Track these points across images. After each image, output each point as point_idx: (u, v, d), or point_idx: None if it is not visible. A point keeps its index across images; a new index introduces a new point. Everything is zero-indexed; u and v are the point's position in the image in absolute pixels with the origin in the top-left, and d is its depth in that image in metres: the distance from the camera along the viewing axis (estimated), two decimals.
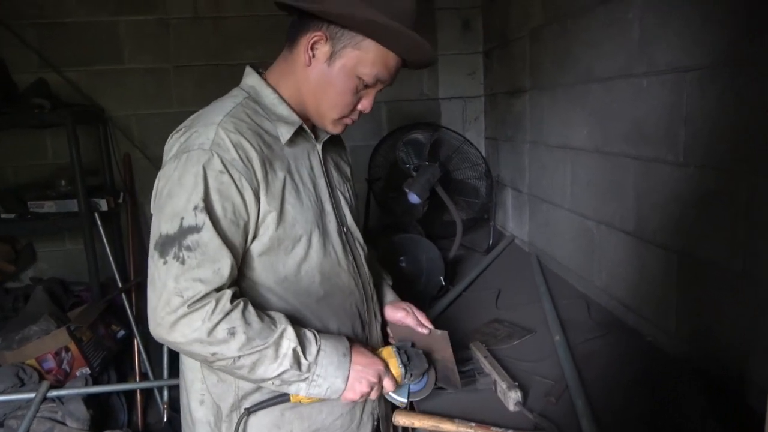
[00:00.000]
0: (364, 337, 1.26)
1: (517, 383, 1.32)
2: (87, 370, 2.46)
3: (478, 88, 3.13)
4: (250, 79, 1.16)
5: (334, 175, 1.26)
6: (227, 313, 0.96)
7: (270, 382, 1.03)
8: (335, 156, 1.31)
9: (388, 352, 1.17)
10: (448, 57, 3.09)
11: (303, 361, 1.02)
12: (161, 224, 0.99)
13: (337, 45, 1.06)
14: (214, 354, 0.97)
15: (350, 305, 1.21)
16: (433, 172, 2.18)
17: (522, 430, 1.20)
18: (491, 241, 2.60)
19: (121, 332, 2.80)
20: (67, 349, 2.43)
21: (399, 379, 1.15)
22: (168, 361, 2.78)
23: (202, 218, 0.97)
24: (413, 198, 2.18)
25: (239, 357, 0.98)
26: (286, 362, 1.00)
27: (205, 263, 0.96)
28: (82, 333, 2.48)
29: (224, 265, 0.98)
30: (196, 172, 0.98)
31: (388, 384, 1.12)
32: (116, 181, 2.97)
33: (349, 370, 1.07)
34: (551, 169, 2.20)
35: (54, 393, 2.19)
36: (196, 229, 0.96)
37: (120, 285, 2.84)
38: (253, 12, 2.88)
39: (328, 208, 1.18)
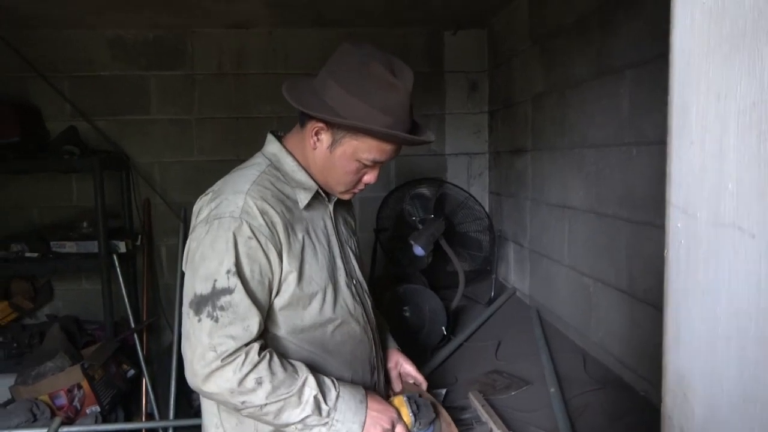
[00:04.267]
0: (372, 382, 1.34)
1: None
2: (97, 408, 2.52)
3: (483, 145, 3.28)
4: (272, 146, 1.27)
5: (343, 230, 1.37)
6: (255, 365, 1.06)
7: (293, 426, 1.11)
8: (343, 212, 1.42)
9: (400, 401, 1.26)
10: (456, 115, 3.26)
11: (323, 406, 1.11)
12: (195, 284, 1.09)
13: (336, 134, 1.17)
14: (243, 402, 1.07)
15: (361, 352, 1.31)
16: (438, 226, 2.29)
17: None
18: (493, 293, 2.69)
19: (131, 372, 2.86)
20: (80, 387, 2.50)
21: (409, 426, 1.24)
22: (175, 402, 2.83)
23: (234, 281, 1.07)
24: (418, 250, 2.28)
25: (266, 404, 1.07)
26: (308, 408, 1.09)
27: (236, 321, 1.07)
28: (94, 371, 2.55)
29: (253, 322, 1.09)
30: (227, 238, 1.08)
31: (399, 430, 1.21)
32: (135, 224, 3.10)
33: (366, 416, 1.15)
34: (551, 226, 2.30)
35: (65, 429, 2.24)
36: (228, 291, 1.07)
37: (133, 325, 2.92)
38: (272, 70, 3.08)
39: (339, 263, 1.28)
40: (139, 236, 3.04)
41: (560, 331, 2.20)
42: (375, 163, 1.21)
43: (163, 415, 2.86)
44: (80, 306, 3.12)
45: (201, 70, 3.08)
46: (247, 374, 1.05)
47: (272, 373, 1.08)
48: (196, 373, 1.07)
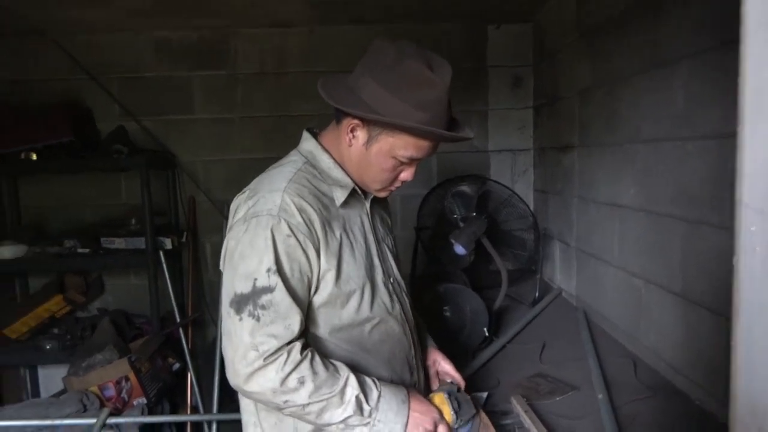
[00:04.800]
0: (412, 381, 1.32)
1: None
2: (143, 400, 2.59)
3: (527, 141, 3.20)
4: (308, 144, 1.26)
5: (380, 228, 1.35)
6: (297, 364, 1.06)
7: (335, 426, 1.11)
8: (380, 210, 1.40)
9: (441, 399, 1.24)
10: (499, 111, 3.19)
11: (365, 407, 1.10)
12: (235, 283, 1.09)
13: (372, 131, 1.15)
14: (285, 401, 1.07)
15: (399, 351, 1.29)
16: (480, 225, 2.24)
17: None
18: (537, 294, 2.61)
19: (176, 365, 2.93)
20: (127, 379, 2.57)
21: (451, 424, 1.22)
22: (218, 396, 2.88)
23: (275, 279, 1.07)
24: (459, 249, 2.24)
25: (308, 404, 1.07)
26: (350, 408, 1.09)
27: (277, 320, 1.06)
28: (141, 364, 2.63)
29: (294, 321, 1.08)
30: (266, 236, 1.08)
31: (442, 430, 1.18)
32: (181, 221, 3.17)
33: (408, 417, 1.14)
34: (599, 225, 2.22)
35: (113, 420, 2.31)
36: (269, 289, 1.06)
37: (178, 319, 2.99)
38: (312, 68, 3.08)
39: (376, 261, 1.27)
40: (185, 233, 3.10)
41: (608, 334, 2.11)
42: (412, 161, 1.19)
43: (207, 409, 2.91)
44: (129, 300, 3.22)
45: (243, 70, 3.12)
46: (289, 373, 1.05)
47: (314, 372, 1.07)
48: (237, 372, 1.06)
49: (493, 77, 3.17)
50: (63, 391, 2.64)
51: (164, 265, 2.88)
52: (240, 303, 1.07)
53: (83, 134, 2.92)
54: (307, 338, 1.15)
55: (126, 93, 3.11)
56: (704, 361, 1.56)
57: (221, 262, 1.18)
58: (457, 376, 1.40)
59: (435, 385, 1.42)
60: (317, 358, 1.09)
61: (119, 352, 2.64)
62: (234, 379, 1.08)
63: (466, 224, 2.30)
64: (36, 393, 3.19)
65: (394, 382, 1.24)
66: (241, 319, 1.06)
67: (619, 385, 1.72)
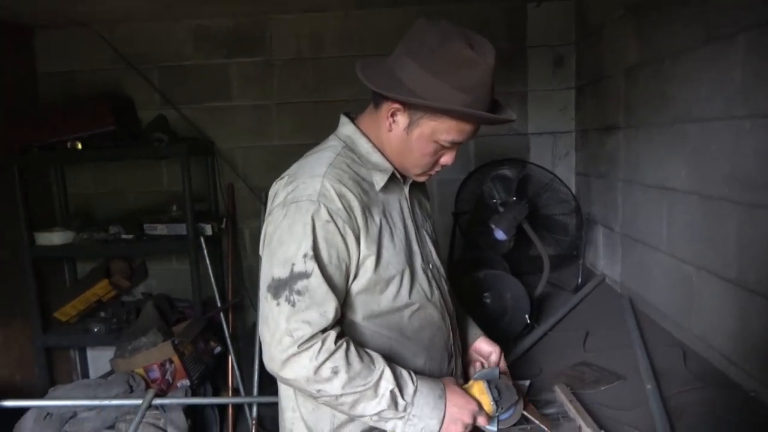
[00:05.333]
0: (449, 370, 1.30)
1: (603, 431, 1.29)
2: (187, 382, 2.66)
3: (569, 123, 3.10)
4: (346, 128, 1.24)
5: (419, 213, 1.32)
6: (331, 353, 1.04)
7: (368, 417, 1.09)
8: (418, 194, 1.37)
9: (480, 389, 1.20)
10: (539, 93, 3.09)
11: (400, 401, 1.08)
12: (273, 268, 1.08)
13: (414, 115, 1.12)
14: (319, 390, 1.06)
15: (438, 339, 1.26)
16: (520, 210, 2.19)
17: None
18: (580, 280, 2.54)
19: (218, 348, 2.99)
20: (171, 361, 2.64)
21: (491, 414, 1.19)
22: (258, 379, 2.93)
23: (311, 265, 1.05)
24: (499, 234, 2.19)
25: (341, 395, 1.06)
26: (384, 402, 1.07)
27: (312, 306, 1.05)
28: (184, 347, 2.69)
29: (330, 308, 1.07)
30: (305, 222, 1.07)
31: (481, 421, 1.17)
32: (220, 208, 3.22)
33: (445, 412, 1.11)
34: (646, 209, 2.13)
35: (158, 401, 2.38)
36: (305, 275, 1.05)
37: (219, 304, 3.05)
38: (349, 53, 3.05)
39: (416, 247, 1.24)
40: (224, 219, 3.15)
41: (655, 322, 2.04)
42: (453, 144, 1.16)
43: (248, 391, 2.97)
44: (171, 285, 3.29)
45: (279, 56, 3.12)
46: (323, 363, 1.04)
47: (348, 363, 1.06)
48: (273, 357, 1.07)
49: (533, 57, 3.07)
50: (110, 373, 2.73)
51: (205, 251, 2.93)
52: (277, 288, 1.07)
53: (125, 123, 2.98)
54: (344, 325, 1.14)
55: (166, 82, 3.15)
56: (760, 351, 1.48)
57: (260, 247, 1.17)
58: (495, 358, 1.36)
59: (472, 372, 1.39)
60: (352, 348, 1.08)
61: (163, 335, 2.71)
62: (270, 364, 1.09)
63: (507, 209, 2.25)
64: (85, 373, 3.31)
65: (431, 369, 1.22)
66: (278, 304, 1.06)
67: (668, 374, 1.65)
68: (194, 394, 2.65)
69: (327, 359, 1.04)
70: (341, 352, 1.06)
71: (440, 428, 1.11)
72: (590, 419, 1.35)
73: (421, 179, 1.26)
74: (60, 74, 3.14)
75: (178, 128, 3.09)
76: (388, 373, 1.08)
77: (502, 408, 1.20)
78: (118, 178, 3.24)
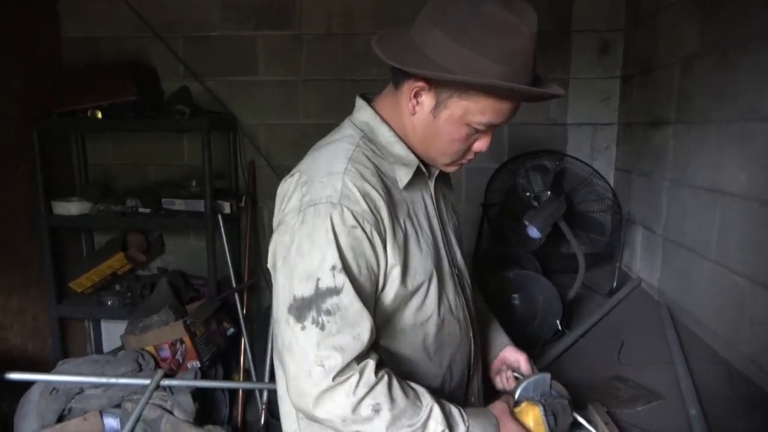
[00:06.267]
0: (469, 387, 1.16)
1: None
2: (197, 363, 2.59)
3: (611, 115, 2.91)
4: (364, 114, 1.07)
5: (443, 210, 1.16)
6: (372, 387, 0.89)
7: None
8: (442, 186, 1.20)
9: (536, 419, 1.05)
10: (581, 81, 2.90)
11: None
12: (294, 285, 0.92)
13: (441, 95, 0.96)
14: None
15: (460, 355, 1.12)
16: (558, 206, 2.03)
17: None
18: (615, 283, 2.39)
19: (231, 330, 2.91)
20: (182, 341, 2.57)
21: None
22: (270, 363, 2.85)
23: (342, 279, 0.90)
24: (533, 232, 2.05)
25: None
26: None
27: (344, 328, 0.89)
28: (196, 327, 2.62)
29: (364, 329, 0.91)
30: (326, 228, 0.91)
31: None
32: (240, 186, 3.12)
33: None
34: (695, 213, 1.96)
35: (167, 382, 2.31)
36: (335, 291, 0.89)
37: (234, 284, 2.97)
38: (381, 30, 2.89)
39: (443, 251, 1.09)
40: (243, 198, 3.05)
41: (698, 336, 1.88)
42: (488, 128, 0.98)
43: (260, 374, 2.89)
44: (188, 261, 3.22)
45: (309, 30, 2.97)
46: (362, 399, 0.88)
47: (392, 399, 0.90)
48: (303, 392, 0.90)
49: (577, 42, 2.87)
50: (121, 348, 2.68)
51: (222, 229, 2.85)
52: (301, 309, 0.90)
53: (147, 94, 2.89)
54: None
55: (190, 53, 3.04)
56: None
57: (270, 260, 1.02)
58: (525, 368, 1.22)
59: (498, 382, 1.25)
60: (395, 381, 0.92)
61: (175, 313, 2.64)
62: (299, 401, 0.91)
63: (543, 205, 2.10)
64: (99, 345, 3.28)
65: (452, 389, 1.08)
66: (303, 328, 0.89)
67: (712, 396, 1.51)
68: (204, 376, 2.58)
69: (366, 394, 0.89)
70: (383, 386, 0.90)
71: None
72: None
73: (451, 169, 1.09)
74: (84, 40, 3.05)
75: (201, 101, 2.98)
76: (437, 411, 0.93)
77: None
78: (139, 149, 3.16)
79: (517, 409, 1.07)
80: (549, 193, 2.23)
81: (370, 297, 0.95)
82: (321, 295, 0.89)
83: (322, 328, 0.88)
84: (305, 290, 0.90)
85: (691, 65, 2.03)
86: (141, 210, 2.90)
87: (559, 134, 2.95)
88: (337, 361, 0.88)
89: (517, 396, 1.10)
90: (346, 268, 0.90)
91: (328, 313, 0.88)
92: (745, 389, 1.55)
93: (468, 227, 2.91)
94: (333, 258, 0.89)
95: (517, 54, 0.90)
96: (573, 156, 2.62)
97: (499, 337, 1.31)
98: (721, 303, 1.77)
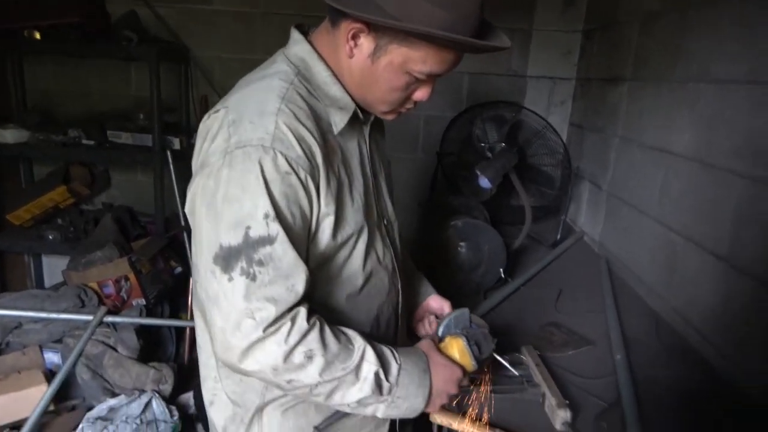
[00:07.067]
0: (396, 337, 1.17)
1: (567, 401, 1.23)
2: (142, 301, 2.55)
3: (571, 69, 2.91)
4: (299, 48, 0.99)
5: (376, 159, 1.12)
6: (304, 335, 0.86)
7: (346, 406, 0.94)
8: (376, 134, 1.14)
9: (460, 349, 1.08)
10: (544, 33, 2.88)
11: (384, 384, 0.94)
12: (221, 234, 0.85)
13: (381, 39, 0.89)
14: (289, 381, 0.88)
15: (387, 306, 1.11)
16: (510, 158, 2.05)
17: None
18: (559, 236, 2.46)
19: (179, 269, 2.87)
20: (127, 279, 2.52)
21: (471, 370, 1.10)
22: None
23: (276, 228, 0.85)
24: (484, 182, 2.07)
25: (318, 384, 0.89)
26: (367, 387, 0.92)
27: (278, 279, 0.85)
28: (142, 265, 2.56)
29: (299, 280, 0.87)
30: (257, 174, 0.84)
31: (464, 383, 1.07)
32: (192, 121, 3.00)
33: (430, 387, 0.99)
34: (641, 171, 2.02)
35: (110, 319, 2.28)
36: (268, 240, 0.84)
37: (183, 222, 2.90)
38: None
39: (372, 201, 1.06)
40: (195, 134, 2.94)
41: (631, 288, 1.97)
42: (429, 77, 0.94)
43: None
44: (135, 197, 3.12)
45: None
46: (294, 346, 0.85)
47: (324, 344, 0.88)
48: (230, 346, 0.85)
49: None
50: (63, 284, 2.61)
51: (171, 166, 2.76)
52: (228, 258, 0.84)
53: (92, 17, 2.69)
54: None
55: None
56: (739, 334, 1.42)
57: (188, 205, 0.93)
58: (448, 311, 1.22)
59: (421, 329, 1.27)
60: (327, 327, 0.89)
61: (120, 250, 2.57)
62: (225, 355, 0.87)
63: (495, 157, 2.11)
64: (40, 281, 3.19)
65: (378, 337, 1.05)
66: (230, 279, 0.84)
67: (639, 345, 1.60)
68: (150, 314, 2.55)
69: (299, 342, 0.86)
70: (315, 333, 0.87)
71: (425, 405, 0.99)
72: (555, 388, 1.28)
73: (388, 118, 1.04)
74: None
75: (151, 28, 2.82)
76: (369, 352, 0.92)
77: (482, 362, 1.12)
78: (82, 76, 2.98)
79: (441, 344, 1.10)
80: (503, 144, 2.25)
81: (303, 246, 0.91)
82: (252, 244, 0.84)
83: (254, 279, 0.84)
84: (233, 239, 0.85)
85: (650, 23, 2.03)
86: (84, 142, 2.76)
87: (518, 86, 2.95)
88: (270, 312, 0.84)
89: (440, 333, 1.14)
90: (280, 217, 0.86)
91: (260, 263, 0.84)
92: (670, 340, 1.65)
93: (423, 176, 2.91)
94: (265, 205, 0.84)
95: (461, 1, 0.86)
96: (529, 108, 2.62)
97: (423, 286, 1.31)
98: (656, 258, 1.86)
